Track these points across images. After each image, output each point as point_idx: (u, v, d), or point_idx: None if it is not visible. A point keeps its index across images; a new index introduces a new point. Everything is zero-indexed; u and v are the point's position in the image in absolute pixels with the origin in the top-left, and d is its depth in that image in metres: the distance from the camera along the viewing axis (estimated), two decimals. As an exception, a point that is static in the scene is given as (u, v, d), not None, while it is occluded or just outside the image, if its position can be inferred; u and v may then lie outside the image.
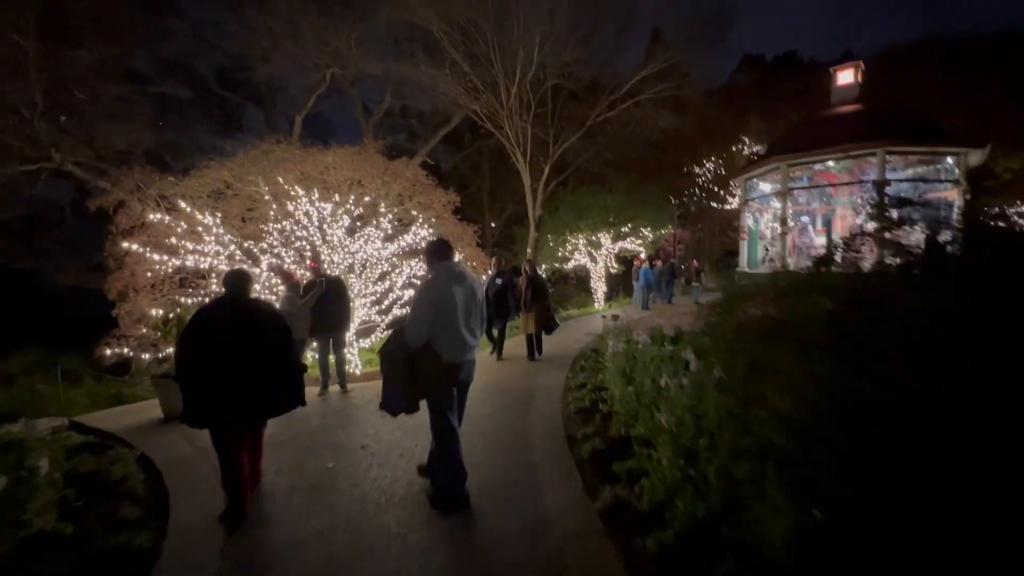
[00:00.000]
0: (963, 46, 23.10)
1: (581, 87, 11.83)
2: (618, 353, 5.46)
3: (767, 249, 16.44)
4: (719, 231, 31.42)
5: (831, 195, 16.53)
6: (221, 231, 7.33)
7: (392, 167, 8.54)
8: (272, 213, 7.96)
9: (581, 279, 20.89)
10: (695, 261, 18.90)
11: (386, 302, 10.09)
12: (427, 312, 3.05)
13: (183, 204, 7.43)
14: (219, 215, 7.31)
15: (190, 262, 7.46)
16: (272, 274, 7.24)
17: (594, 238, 17.36)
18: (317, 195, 7.54)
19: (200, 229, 7.49)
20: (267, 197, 7.81)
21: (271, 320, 3.42)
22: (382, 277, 9.92)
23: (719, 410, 3.48)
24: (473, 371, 3.39)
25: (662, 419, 3.43)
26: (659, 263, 17.91)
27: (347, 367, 8.82)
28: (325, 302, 5.93)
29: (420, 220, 9.86)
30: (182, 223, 7.43)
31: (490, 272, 8.63)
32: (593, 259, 18.02)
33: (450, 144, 26.27)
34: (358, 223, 9.20)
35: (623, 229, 17.35)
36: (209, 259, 7.31)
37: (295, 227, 8.24)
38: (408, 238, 9.78)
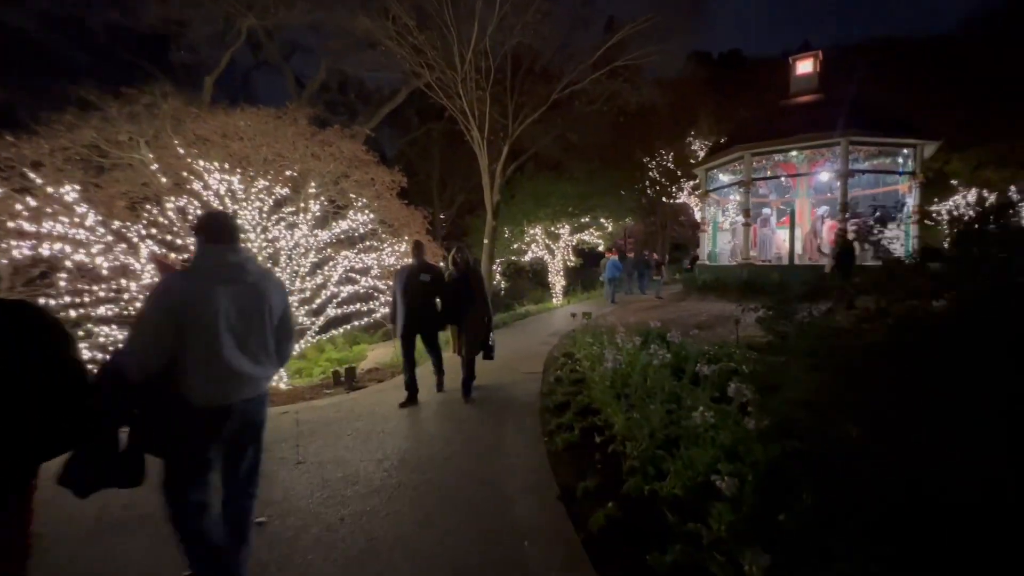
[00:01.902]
0: (892, 47, 24.22)
1: (548, 51, 10.49)
2: (617, 369, 4.29)
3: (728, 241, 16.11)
4: (670, 224, 31.55)
5: (789, 187, 16.39)
6: (83, 209, 5.50)
7: (323, 136, 6.95)
8: (165, 188, 6.18)
9: (537, 273, 19.86)
10: (655, 254, 18.33)
11: (319, 300, 8.51)
12: (151, 327, 1.86)
13: (31, 174, 5.54)
14: (77, 188, 5.46)
15: (44, 250, 5.58)
16: (153, 267, 5.52)
17: (552, 229, 16.34)
18: (218, 166, 5.86)
19: (57, 207, 5.62)
20: (153, 167, 6.03)
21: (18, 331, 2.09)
22: (313, 270, 8.34)
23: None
24: (260, 416, 2.15)
25: (722, 483, 2.26)
26: (631, 255, 17.33)
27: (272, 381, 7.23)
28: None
29: (359, 203, 8.32)
30: (29, 199, 5.53)
31: (411, 261, 5.42)
32: (551, 252, 17.01)
33: (396, 127, 24.41)
34: (283, 208, 7.56)
35: (583, 220, 16.45)
36: (67, 247, 5.47)
37: (197, 207, 6.50)
38: (344, 224, 8.23)
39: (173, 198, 5.99)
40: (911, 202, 13.70)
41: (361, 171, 7.37)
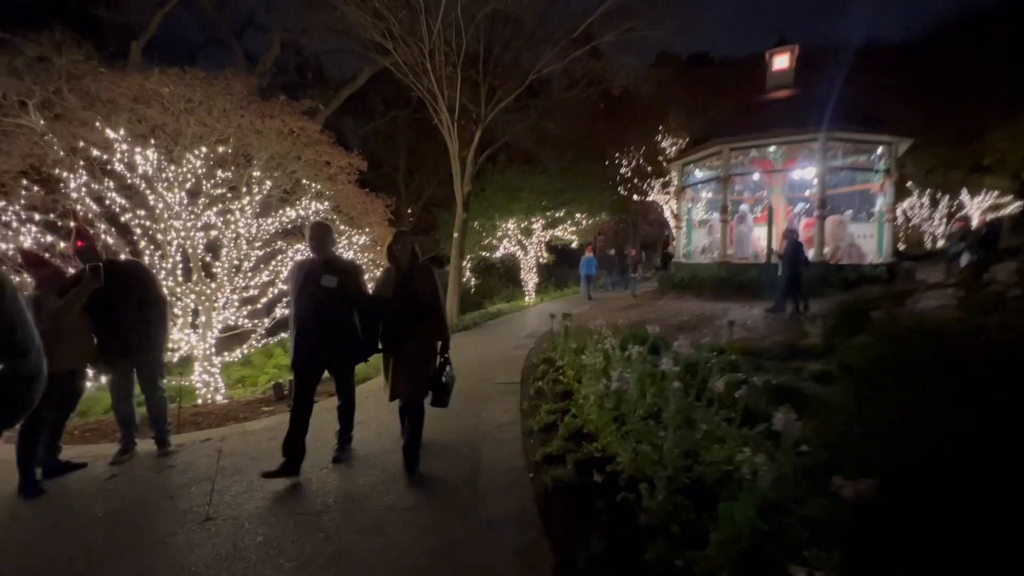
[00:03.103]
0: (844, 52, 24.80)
1: (529, 20, 9.53)
2: (620, 389, 3.52)
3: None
4: (640, 222, 31.47)
5: (764, 183, 16.19)
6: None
7: (262, 107, 5.95)
8: (57, 161, 5.05)
9: (509, 269, 19.09)
10: (632, 251, 17.86)
11: (264, 299, 7.49)
12: None
13: None
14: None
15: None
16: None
17: (525, 224, 15.59)
18: (126, 135, 4.80)
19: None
20: (47, 136, 4.91)
21: None
22: (257, 266, 7.32)
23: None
24: None
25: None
26: (611, 251, 17.09)
27: (195, 396, 6.23)
28: (113, 307, 3.41)
29: (312, 189, 7.34)
30: None
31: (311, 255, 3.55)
32: (523, 248, 16.27)
33: (359, 116, 23.10)
34: (217, 190, 6.50)
35: (557, 215, 15.79)
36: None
37: (111, 189, 5.39)
38: (293, 212, 7.24)
39: (69, 174, 4.87)
40: (882, 201, 13.66)
41: (312, 150, 6.39)
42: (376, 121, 21.23)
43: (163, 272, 5.83)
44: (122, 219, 5.95)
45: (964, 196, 29.48)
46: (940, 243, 30.85)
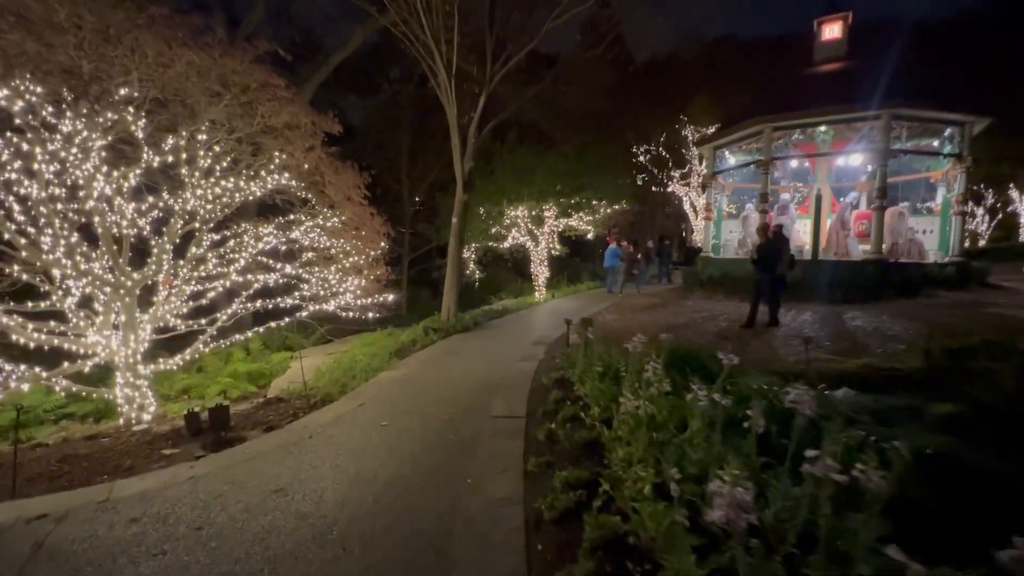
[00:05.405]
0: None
1: None
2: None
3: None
4: (658, 213, 29.75)
5: (807, 170, 14.41)
6: None
7: (173, 33, 4.44)
8: None
9: (518, 261, 17.52)
10: (626, 244, 16.09)
11: (212, 294, 6.04)
12: None
13: None
14: None
15: None
16: None
17: (536, 211, 13.99)
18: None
19: None
20: None
21: None
22: (204, 255, 5.85)
23: None
24: None
25: None
26: (649, 244, 15.93)
27: (116, 414, 4.85)
28: None
29: (277, 159, 5.85)
30: None
31: None
32: (534, 238, 14.68)
33: (363, 92, 21.61)
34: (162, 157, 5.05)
35: (571, 201, 14.16)
36: None
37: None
38: (252, 185, 5.75)
39: None
40: (947, 191, 11.89)
41: (267, 94, 4.89)
42: (378, 97, 19.65)
43: (58, 253, 4.39)
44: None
45: (1012, 191, 27.32)
46: (981, 243, 28.55)
